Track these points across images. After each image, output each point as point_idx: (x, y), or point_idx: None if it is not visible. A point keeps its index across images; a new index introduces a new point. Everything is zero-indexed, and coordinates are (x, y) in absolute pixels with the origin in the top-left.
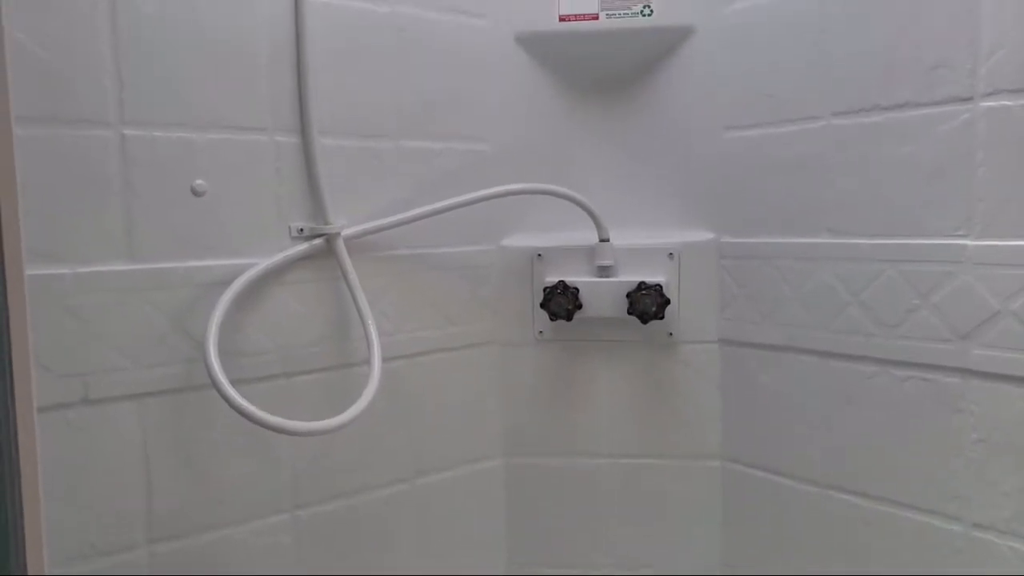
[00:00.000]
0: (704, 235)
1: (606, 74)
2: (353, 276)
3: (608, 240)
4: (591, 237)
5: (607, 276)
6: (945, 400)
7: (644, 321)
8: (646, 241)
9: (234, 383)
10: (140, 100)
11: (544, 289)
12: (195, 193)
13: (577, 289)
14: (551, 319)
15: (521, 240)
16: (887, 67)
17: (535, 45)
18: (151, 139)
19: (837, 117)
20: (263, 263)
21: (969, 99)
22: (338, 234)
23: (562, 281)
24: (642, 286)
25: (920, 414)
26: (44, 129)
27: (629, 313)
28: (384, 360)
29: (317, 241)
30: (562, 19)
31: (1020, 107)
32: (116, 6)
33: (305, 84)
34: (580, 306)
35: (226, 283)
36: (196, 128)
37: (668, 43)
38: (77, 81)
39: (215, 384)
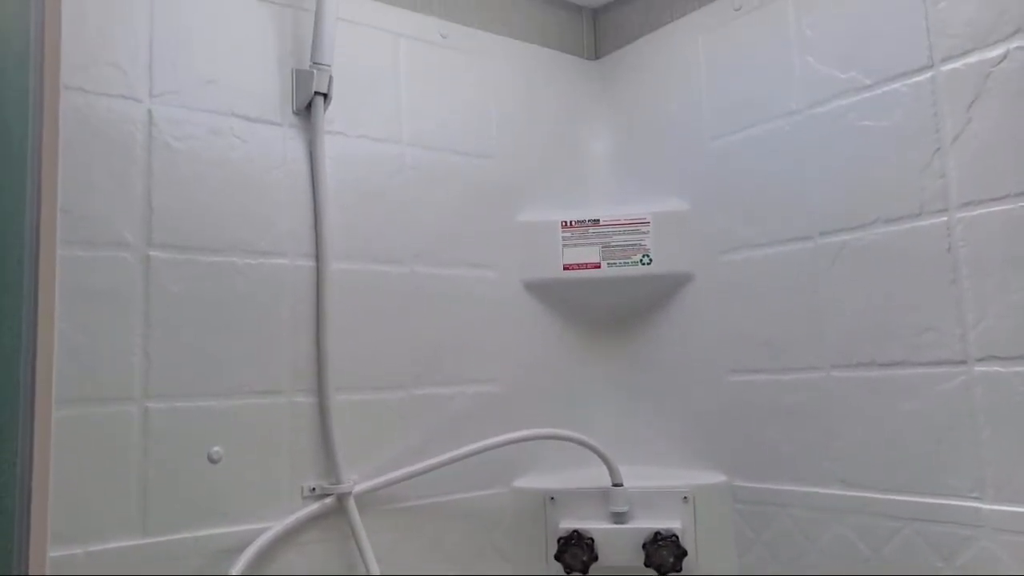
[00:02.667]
0: (716, 477)
1: (609, 316)
2: (363, 538)
3: (621, 484)
4: (603, 476)
5: (622, 522)
6: None
7: (662, 573)
8: (659, 483)
9: None
10: (165, 374)
11: (558, 540)
12: (211, 460)
13: (592, 539)
14: (566, 571)
15: (533, 481)
16: (879, 325)
17: (542, 291)
18: (172, 410)
19: (836, 369)
20: (273, 529)
21: (963, 362)
22: (350, 492)
23: (576, 531)
24: (658, 536)
25: None
26: (71, 410)
27: (647, 565)
28: None
29: (328, 500)
30: (567, 268)
31: (1012, 374)
32: (149, 288)
33: (325, 347)
34: (596, 557)
35: (237, 549)
36: (217, 396)
37: (667, 289)
38: (107, 361)
39: None
